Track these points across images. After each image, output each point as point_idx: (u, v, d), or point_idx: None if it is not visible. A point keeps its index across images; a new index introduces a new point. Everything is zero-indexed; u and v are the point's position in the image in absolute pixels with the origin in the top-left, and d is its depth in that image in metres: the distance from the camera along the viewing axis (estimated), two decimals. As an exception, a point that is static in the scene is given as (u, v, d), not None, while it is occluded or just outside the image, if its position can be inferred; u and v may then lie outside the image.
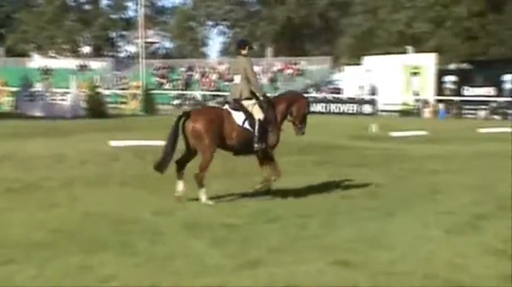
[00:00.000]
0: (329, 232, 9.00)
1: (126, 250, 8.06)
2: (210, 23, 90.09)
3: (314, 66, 65.66)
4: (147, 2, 73.75)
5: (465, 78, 53.06)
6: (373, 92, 55.31)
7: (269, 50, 70.10)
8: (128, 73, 70.85)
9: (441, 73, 54.97)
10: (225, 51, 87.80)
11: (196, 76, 69.40)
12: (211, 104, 51.45)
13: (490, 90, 51.44)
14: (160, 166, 11.57)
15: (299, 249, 8.12)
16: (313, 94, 57.58)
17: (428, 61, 55.05)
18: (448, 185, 13.20)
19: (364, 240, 8.53)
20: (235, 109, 11.66)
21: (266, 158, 11.88)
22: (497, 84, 51.28)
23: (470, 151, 20.86)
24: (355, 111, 53.81)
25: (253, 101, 11.74)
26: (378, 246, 8.27)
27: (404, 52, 58.35)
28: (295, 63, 66.55)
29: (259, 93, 11.88)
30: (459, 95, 52.41)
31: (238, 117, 11.62)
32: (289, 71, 65.77)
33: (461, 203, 11.03)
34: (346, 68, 61.39)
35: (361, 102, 54.75)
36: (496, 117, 48.23)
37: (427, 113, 51.77)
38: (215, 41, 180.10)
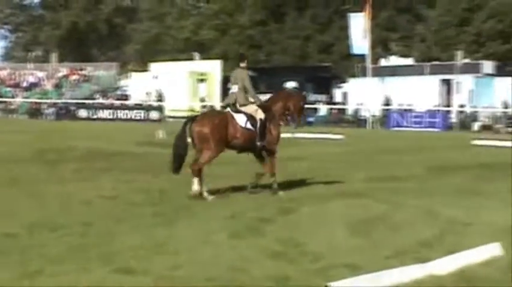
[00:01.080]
0: (112, 240, 8.89)
1: None
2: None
3: (101, 72, 64.77)
4: None
5: (249, 85, 54.41)
6: (160, 98, 55.43)
7: (54, 56, 68.33)
8: None
9: (227, 80, 55.94)
10: (7, 56, 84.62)
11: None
12: None
13: (273, 97, 53.06)
14: (175, 168, 12.87)
15: (81, 258, 7.95)
16: (100, 100, 56.86)
17: (214, 68, 56.04)
18: (230, 190, 13.44)
19: (148, 246, 8.50)
20: (236, 112, 13.02)
21: (269, 155, 13.33)
22: (280, 90, 52.96)
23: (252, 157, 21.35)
24: (142, 117, 53.65)
25: (254, 105, 13.16)
26: (161, 252, 8.28)
27: (191, 59, 59.01)
28: (81, 69, 65.29)
29: (255, 99, 13.32)
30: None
31: (241, 119, 12.98)
32: (75, 76, 64.38)
33: (243, 208, 11.26)
34: (134, 74, 61.15)
35: (148, 108, 54.68)
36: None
37: (213, 119, 52.61)
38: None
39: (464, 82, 46.74)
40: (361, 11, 49.97)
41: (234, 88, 13.28)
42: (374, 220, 10.35)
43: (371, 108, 47.94)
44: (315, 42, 65.81)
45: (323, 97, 53.60)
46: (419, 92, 46.96)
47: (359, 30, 49.30)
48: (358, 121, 48.37)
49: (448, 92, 48.09)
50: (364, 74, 49.64)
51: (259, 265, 7.71)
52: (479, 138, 29.88)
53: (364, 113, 48.65)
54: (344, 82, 55.58)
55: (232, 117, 12.96)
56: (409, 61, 55.96)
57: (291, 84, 52.37)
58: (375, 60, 53.58)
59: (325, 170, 17.30)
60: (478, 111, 45.22)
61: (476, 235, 9.32)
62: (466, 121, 44.45)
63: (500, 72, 51.52)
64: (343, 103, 53.26)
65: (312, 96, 52.49)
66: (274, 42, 67.25)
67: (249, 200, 12.10)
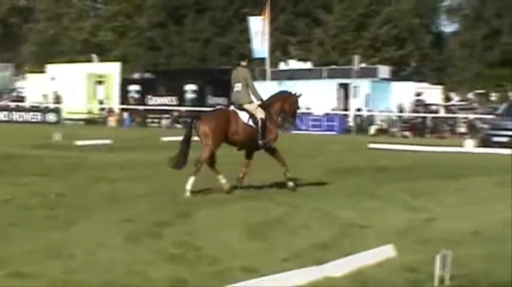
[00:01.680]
0: (5, 244, 8.65)
1: None
2: None
3: (-4, 73, 63.18)
4: None
5: (149, 88, 54.13)
6: (57, 100, 54.40)
7: None
8: None
9: (126, 82, 55.58)
10: None
11: None
12: None
13: (173, 100, 52.95)
14: (176, 164, 13.70)
15: (-30, 264, 7.70)
16: (-6, 102, 55.48)
17: (113, 70, 55.39)
18: (129, 193, 13.32)
19: (43, 250, 8.31)
20: (240, 109, 13.82)
21: (272, 152, 14.28)
22: (179, 93, 52.91)
23: (153, 159, 21.22)
24: (39, 120, 52.54)
25: (255, 104, 13.94)
26: (57, 256, 8.10)
27: (89, 61, 58.16)
28: (-25, 70, 63.53)
29: (257, 98, 14.12)
30: (143, 104, 53.32)
31: (244, 116, 13.78)
32: (-31, 77, 62.60)
33: (141, 211, 11.16)
34: (30, 75, 59.83)
35: (45, 110, 53.61)
36: (178, 125, 49.66)
37: (112, 121, 52.03)
38: None
39: (361, 86, 47.61)
40: (260, 15, 50.30)
41: (237, 87, 14.06)
42: (271, 222, 10.42)
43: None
44: (215, 45, 65.95)
45: (223, 100, 53.62)
46: (317, 96, 47.55)
47: (258, 33, 49.60)
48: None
49: (346, 96, 48.90)
50: (263, 77, 49.97)
51: (156, 268, 7.64)
52: (376, 141, 30.48)
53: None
54: (244, 85, 55.71)
55: (236, 114, 13.81)
56: (308, 65, 56.66)
57: (190, 87, 52.33)
58: (274, 63, 54.02)
59: (224, 172, 17.27)
60: (374, 115, 46.14)
61: (372, 237, 9.49)
62: (363, 125, 45.30)
63: (396, 76, 52.79)
64: (243, 106, 53.39)
65: (212, 100, 52.55)
66: (173, 45, 67.05)
67: (147, 203, 11.99)
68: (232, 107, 13.99)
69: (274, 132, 14.19)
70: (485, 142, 28.44)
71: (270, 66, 50.09)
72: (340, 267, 7.59)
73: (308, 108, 48.02)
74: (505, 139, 27.81)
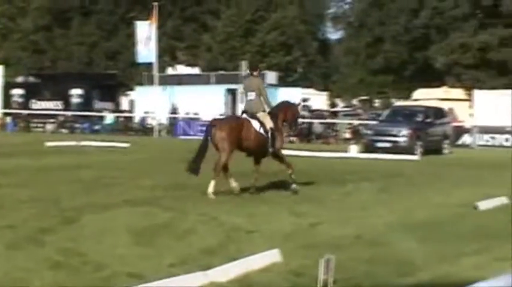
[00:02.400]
0: None
1: None
2: None
3: None
4: None
5: (33, 92, 52.96)
6: None
7: None
8: None
9: (9, 86, 54.19)
10: None
11: None
12: None
13: (58, 104, 51.97)
14: (193, 169, 14.53)
15: None
16: None
17: (-4, 73, 53.93)
18: (11, 199, 12.98)
19: None
20: (252, 118, 14.71)
21: (279, 158, 15.23)
22: (65, 98, 51.98)
23: (37, 164, 20.78)
24: None
25: (265, 113, 14.84)
26: None
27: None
28: None
29: (268, 107, 15.08)
30: (27, 108, 52.10)
31: (256, 124, 14.67)
32: None
33: (24, 217, 10.89)
34: None
35: None
36: (63, 130, 48.75)
37: (-5, 126, 50.64)
38: None
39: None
40: (147, 19, 49.97)
41: (250, 95, 14.99)
42: (158, 227, 10.37)
43: (158, 117, 48.03)
44: (101, 49, 65.09)
45: (109, 105, 53.01)
46: (205, 101, 47.61)
47: (145, 38, 49.25)
48: (144, 129, 48.29)
49: (234, 101, 49.12)
50: (151, 82, 49.64)
51: (38, 276, 7.47)
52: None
53: (151, 122, 48.67)
54: (131, 90, 55.33)
55: (249, 122, 14.69)
56: (196, 70, 56.64)
57: (76, 92, 51.47)
58: (162, 68, 53.76)
59: (110, 178, 17.10)
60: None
61: (258, 242, 9.57)
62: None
63: (283, 82, 53.41)
64: (130, 111, 52.99)
65: (98, 104, 51.84)
66: (59, 49, 65.80)
67: (30, 210, 11.71)
68: (245, 115, 14.89)
69: (281, 139, 15.14)
70: (369, 148, 29.10)
71: (158, 71, 49.79)
72: (226, 272, 7.61)
73: (196, 114, 47.99)
74: (387, 145, 28.53)
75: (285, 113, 15.33)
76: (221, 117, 17.95)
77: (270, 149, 14.85)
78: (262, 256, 8.36)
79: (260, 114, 14.80)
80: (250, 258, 8.16)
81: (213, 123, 14.83)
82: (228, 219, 11.19)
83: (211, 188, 14.00)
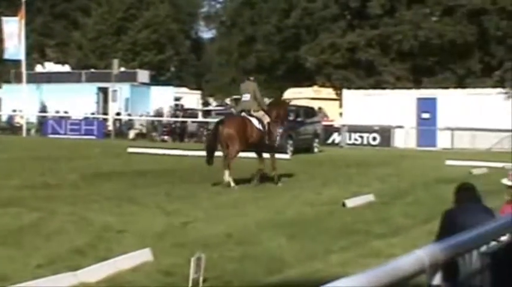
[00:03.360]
0: None
1: None
2: None
3: None
4: None
5: None
6: None
7: None
8: None
9: None
10: None
11: None
12: None
13: None
14: (208, 161, 16.60)
15: None
16: None
17: None
18: None
19: None
20: (250, 116, 16.73)
21: (272, 151, 17.32)
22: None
23: None
24: None
25: (262, 112, 16.98)
26: None
27: None
28: None
29: (263, 107, 17.27)
30: None
31: (254, 121, 16.70)
32: None
33: None
34: None
35: None
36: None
37: None
38: None
39: (121, 90, 47.39)
40: (15, 15, 48.60)
41: (245, 97, 17.10)
42: (25, 228, 10.14)
43: (26, 115, 46.80)
44: (-33, 45, 62.83)
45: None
46: (76, 100, 46.72)
47: (13, 35, 47.89)
48: (13, 128, 46.95)
49: (105, 100, 48.44)
50: (19, 80, 48.28)
51: None
52: (135, 146, 30.46)
53: (19, 120, 47.37)
54: (-2, 88, 53.71)
55: (250, 120, 16.70)
56: (66, 68, 55.51)
57: None
58: (31, 66, 52.40)
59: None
60: (134, 120, 46.11)
61: (129, 241, 9.50)
62: (122, 129, 45.10)
63: (156, 81, 53.09)
64: (-3, 109, 51.42)
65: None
66: None
67: None
68: (243, 114, 16.87)
69: (275, 133, 17.16)
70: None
71: (26, 68, 48.47)
72: (95, 272, 7.53)
73: (66, 112, 47.09)
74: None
75: (277, 110, 17.44)
76: (225, 117, 19.91)
77: (267, 142, 16.95)
78: (133, 255, 8.32)
79: (257, 112, 16.91)
80: (120, 258, 8.11)
81: (221, 122, 16.96)
82: (98, 218, 11.06)
83: (228, 179, 15.98)
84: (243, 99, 17.21)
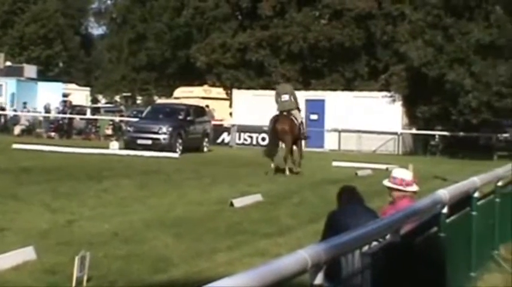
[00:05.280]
0: None
1: None
2: None
3: None
4: None
5: None
6: None
7: None
8: None
9: None
10: None
11: None
12: None
13: None
14: (270, 154, 20.33)
15: None
16: None
17: None
18: None
19: None
20: (290, 115, 20.15)
21: (301, 145, 21.07)
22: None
23: None
24: None
25: (296, 110, 20.59)
26: None
27: None
28: None
29: (298, 106, 21.02)
30: None
31: (295, 120, 20.27)
32: None
33: None
34: None
35: None
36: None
37: None
38: None
39: (7, 85, 46.19)
40: None
41: (285, 97, 20.42)
42: None
43: None
44: None
45: None
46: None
47: None
48: None
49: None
50: None
51: None
52: (20, 142, 29.74)
53: None
54: None
55: (293, 118, 20.20)
56: None
57: None
58: None
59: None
60: (19, 115, 45.00)
61: (11, 239, 9.28)
62: (7, 125, 43.93)
63: (43, 76, 51.98)
64: None
65: None
66: None
67: None
68: (285, 113, 20.15)
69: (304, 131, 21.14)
70: (130, 144, 29.04)
71: None
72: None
73: None
74: (148, 142, 28.64)
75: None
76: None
77: (302, 137, 20.82)
78: (15, 253, 8.12)
79: (295, 111, 20.35)
80: (1, 256, 7.90)
81: (276, 119, 20.26)
82: (-21, 217, 10.74)
83: (288, 171, 19.96)
84: (283, 99, 20.42)
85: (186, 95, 42.88)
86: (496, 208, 9.48)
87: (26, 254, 8.22)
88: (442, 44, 35.23)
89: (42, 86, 48.63)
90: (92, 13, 74.37)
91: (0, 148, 26.21)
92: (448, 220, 6.80)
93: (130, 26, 60.60)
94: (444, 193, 6.61)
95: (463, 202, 7.58)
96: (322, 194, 14.97)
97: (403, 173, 7.18)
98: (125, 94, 63.06)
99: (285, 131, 19.90)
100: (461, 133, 36.65)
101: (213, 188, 16.42)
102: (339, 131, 38.03)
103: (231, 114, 42.84)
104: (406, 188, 6.97)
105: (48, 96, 46.22)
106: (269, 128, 20.89)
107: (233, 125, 39.75)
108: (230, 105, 43.49)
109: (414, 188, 7.05)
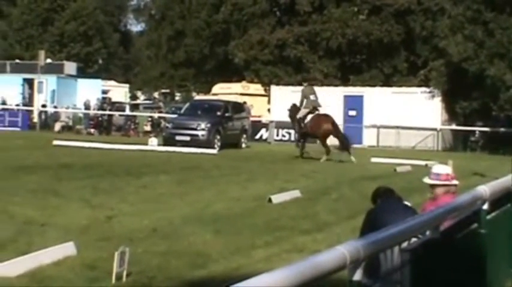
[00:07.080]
0: None
1: None
2: None
3: None
4: None
5: None
6: None
7: None
8: None
9: None
10: None
11: None
12: None
13: None
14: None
15: None
16: None
17: None
18: None
19: None
20: (327, 115, 24.58)
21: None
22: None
23: None
24: None
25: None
26: None
27: None
28: None
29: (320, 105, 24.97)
30: None
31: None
32: None
33: None
34: None
35: None
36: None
37: None
38: None
39: (47, 82, 46.63)
40: None
41: (313, 97, 24.26)
42: None
43: None
44: None
45: None
46: (1, 91, 45.81)
47: None
48: None
49: (31, 91, 47.61)
50: None
51: None
52: (61, 138, 30.02)
53: None
54: None
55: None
56: (-10, 58, 54.33)
57: None
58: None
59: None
60: (60, 112, 45.41)
61: (52, 235, 9.37)
62: (48, 121, 44.37)
63: (83, 73, 52.41)
64: None
65: None
66: None
67: None
68: (317, 111, 24.16)
69: None
70: (169, 141, 29.16)
71: None
72: (16, 266, 7.39)
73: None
74: (187, 138, 28.72)
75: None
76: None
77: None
78: (56, 249, 8.20)
79: (319, 110, 24.25)
80: (42, 252, 7.98)
81: (320, 119, 23.90)
82: (20, 212, 10.86)
83: (323, 159, 23.31)
84: (311, 98, 24.19)
85: (224, 91, 42.90)
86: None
87: (66, 249, 8.29)
88: (482, 39, 34.82)
89: (82, 83, 49.03)
90: (131, 10, 74.85)
91: (41, 145, 26.52)
92: (488, 217, 6.73)
93: (169, 22, 60.82)
94: (484, 189, 6.54)
95: (504, 198, 7.49)
96: (360, 190, 14.88)
97: (445, 169, 7.15)
98: (163, 91, 63.36)
99: (329, 129, 23.60)
100: (502, 129, 36.19)
101: (251, 184, 16.42)
102: (378, 127, 37.80)
103: (269, 110, 42.79)
104: (451, 182, 6.96)
105: (88, 93, 46.62)
106: (309, 125, 24.08)
107: (271, 121, 39.70)
108: (268, 102, 43.45)
109: (456, 182, 7.07)
